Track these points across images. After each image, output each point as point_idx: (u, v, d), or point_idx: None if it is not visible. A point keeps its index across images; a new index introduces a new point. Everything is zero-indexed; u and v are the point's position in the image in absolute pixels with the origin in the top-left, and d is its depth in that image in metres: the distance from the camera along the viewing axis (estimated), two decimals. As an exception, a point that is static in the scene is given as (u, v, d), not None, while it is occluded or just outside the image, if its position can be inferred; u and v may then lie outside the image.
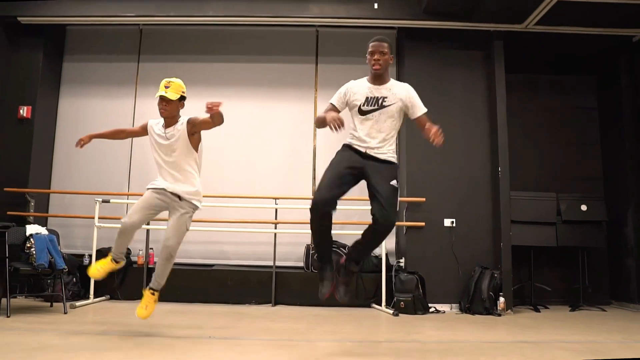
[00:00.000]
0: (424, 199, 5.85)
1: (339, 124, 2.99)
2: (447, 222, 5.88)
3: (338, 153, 3.36)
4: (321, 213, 3.13)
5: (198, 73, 6.61)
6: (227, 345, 3.57)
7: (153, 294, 3.68)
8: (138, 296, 5.65)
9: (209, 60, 6.68)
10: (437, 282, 5.68)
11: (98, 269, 3.88)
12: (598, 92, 6.83)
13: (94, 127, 6.49)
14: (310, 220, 3.19)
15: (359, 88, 3.35)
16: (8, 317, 4.34)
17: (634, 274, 6.02)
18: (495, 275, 5.52)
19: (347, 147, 3.34)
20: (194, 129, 3.68)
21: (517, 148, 6.26)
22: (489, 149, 6.05)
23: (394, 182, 3.21)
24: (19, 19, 6.15)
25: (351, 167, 3.22)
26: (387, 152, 3.31)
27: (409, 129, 6.08)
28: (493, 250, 5.84)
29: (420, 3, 5.90)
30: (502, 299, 5.40)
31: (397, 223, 4.98)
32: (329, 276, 3.29)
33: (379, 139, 3.27)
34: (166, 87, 3.64)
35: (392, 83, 3.38)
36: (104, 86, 6.69)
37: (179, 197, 3.69)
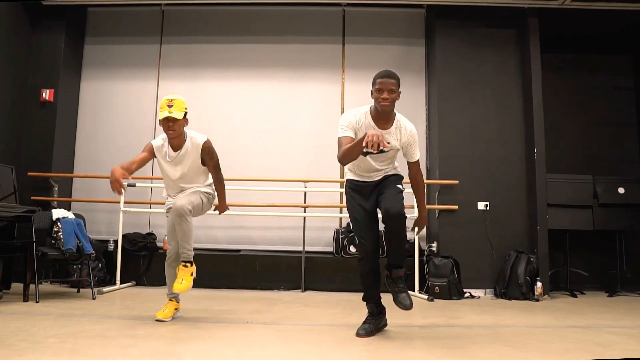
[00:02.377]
0: (457, 182, 5.69)
1: (381, 141, 2.73)
2: (481, 205, 5.73)
3: (348, 195, 3.33)
4: (371, 259, 3.20)
5: (221, 54, 6.52)
6: (267, 330, 3.45)
7: (185, 265, 3.51)
8: (163, 282, 5.59)
9: (232, 42, 6.54)
10: (470, 266, 5.54)
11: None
12: (634, 72, 6.62)
13: (116, 110, 6.51)
14: (361, 266, 3.24)
15: (364, 129, 3.05)
16: (37, 302, 4.28)
17: (673, 258, 5.85)
18: (532, 259, 5.37)
19: (351, 187, 3.31)
20: (205, 161, 3.62)
21: (552, 129, 6.07)
22: (523, 131, 5.87)
23: (399, 185, 3.19)
24: (41, 0, 6.02)
25: (365, 203, 3.24)
26: (390, 170, 3.29)
27: (440, 111, 5.94)
28: (528, 233, 5.68)
29: (453, -22, 5.71)
30: (539, 284, 5.24)
31: (428, 206, 4.85)
32: (374, 324, 3.29)
33: (381, 171, 3.26)
34: (169, 107, 3.43)
35: (397, 125, 3.14)
36: (125, 68, 6.59)
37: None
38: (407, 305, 3.12)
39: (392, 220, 3.02)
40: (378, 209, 3.24)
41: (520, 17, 5.94)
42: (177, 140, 3.54)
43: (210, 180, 3.75)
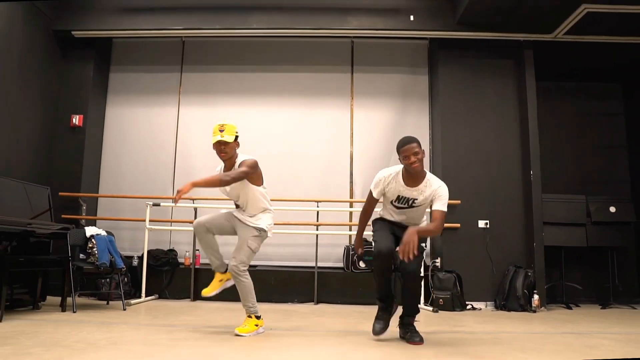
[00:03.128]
0: (459, 201, 6.10)
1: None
2: (482, 224, 6.13)
3: (378, 223, 3.76)
4: (384, 259, 3.48)
5: (238, 82, 6.97)
6: (292, 336, 3.83)
7: (250, 316, 3.78)
8: (185, 295, 6.03)
9: (248, 70, 6.99)
10: (472, 280, 5.92)
11: (210, 289, 4.00)
12: (624, 98, 7.08)
13: (139, 134, 6.92)
14: (375, 266, 3.58)
15: (394, 185, 3.57)
16: (74, 312, 4.65)
17: (663, 273, 6.24)
18: (529, 274, 5.75)
19: (382, 219, 3.77)
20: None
21: (548, 152, 6.51)
22: (521, 154, 6.29)
23: (422, 244, 3.50)
24: (72, 32, 6.51)
25: (391, 227, 3.67)
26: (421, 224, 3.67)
27: (443, 135, 6.36)
28: (526, 250, 6.07)
29: (455, 15, 6.19)
30: (536, 296, 5.62)
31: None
32: (386, 317, 3.66)
33: (412, 223, 3.62)
34: (221, 131, 3.70)
35: (426, 183, 3.54)
36: (148, 95, 7.03)
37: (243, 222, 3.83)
38: (416, 341, 3.47)
39: (408, 278, 3.45)
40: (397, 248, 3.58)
41: (516, 49, 6.41)
42: (229, 162, 3.83)
43: (269, 205, 3.87)
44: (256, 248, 3.80)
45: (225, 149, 3.75)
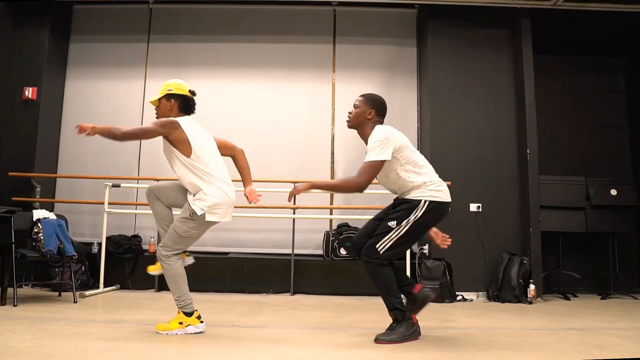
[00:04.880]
0: (449, 183, 5.51)
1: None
2: (473, 207, 5.65)
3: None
4: (354, 248, 3.23)
5: (210, 53, 6.42)
6: (255, 333, 3.33)
7: (178, 311, 3.22)
8: (149, 285, 5.49)
9: (221, 41, 6.42)
10: (462, 269, 5.45)
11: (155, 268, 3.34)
12: (626, 74, 6.59)
13: (102, 109, 6.34)
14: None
15: None
16: (15, 306, 4.12)
17: (666, 261, 5.80)
18: (525, 261, 5.28)
19: None
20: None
21: (544, 131, 6.00)
22: (516, 132, 5.81)
23: (391, 223, 3.02)
24: (24, -4, 5.90)
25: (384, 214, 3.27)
26: (406, 190, 3.14)
27: (432, 112, 5.86)
28: (521, 235, 5.60)
29: (445, -23, 5.65)
30: (532, 287, 5.15)
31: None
32: (407, 302, 3.16)
33: (399, 192, 3.21)
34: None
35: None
36: (112, 67, 6.44)
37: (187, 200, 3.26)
38: (378, 340, 3.00)
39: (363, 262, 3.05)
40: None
41: (512, 17, 5.89)
42: None
43: (204, 184, 3.20)
44: (185, 232, 3.14)
45: (156, 110, 3.33)
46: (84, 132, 2.93)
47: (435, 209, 3.05)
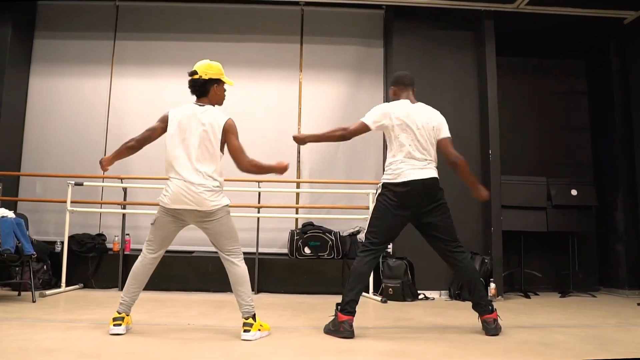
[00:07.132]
0: (412, 182, 5.64)
1: None
2: (436, 207, 5.69)
3: None
4: None
5: (178, 51, 6.36)
6: (208, 333, 3.34)
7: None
8: (112, 284, 5.47)
9: (189, 39, 6.38)
10: (425, 268, 5.49)
11: None
12: (587, 77, 6.71)
13: (67, 107, 6.30)
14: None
15: None
16: (-29, 305, 4.08)
17: (623, 259, 5.92)
18: (486, 260, 5.37)
19: None
20: None
21: (508, 131, 6.10)
22: (479, 132, 5.88)
23: None
24: (-16, -9, 5.80)
25: None
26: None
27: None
28: (483, 235, 5.68)
29: (410, -21, 5.69)
30: (492, 285, 5.24)
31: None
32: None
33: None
34: None
35: None
36: (77, 65, 6.36)
37: None
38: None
39: None
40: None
41: (476, 20, 5.96)
42: None
43: (167, 173, 3.29)
44: (152, 222, 3.31)
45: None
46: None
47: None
